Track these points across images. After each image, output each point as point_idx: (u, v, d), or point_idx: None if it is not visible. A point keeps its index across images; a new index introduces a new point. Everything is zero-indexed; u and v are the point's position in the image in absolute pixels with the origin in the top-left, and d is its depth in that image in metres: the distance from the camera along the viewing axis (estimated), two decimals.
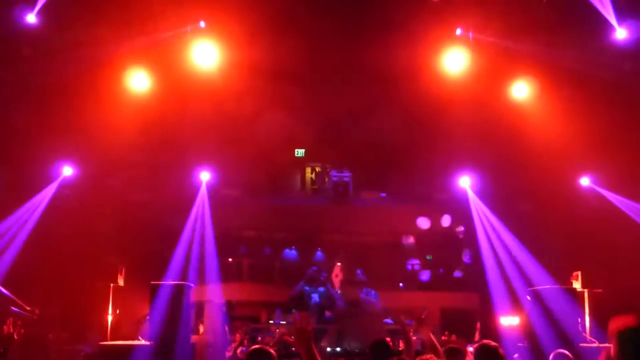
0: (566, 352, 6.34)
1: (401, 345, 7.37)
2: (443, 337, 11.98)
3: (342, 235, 16.63)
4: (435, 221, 16.50)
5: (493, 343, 5.65)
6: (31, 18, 11.52)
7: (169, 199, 13.26)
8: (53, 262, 11.70)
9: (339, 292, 12.16)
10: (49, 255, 11.68)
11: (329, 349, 11.67)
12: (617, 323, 3.45)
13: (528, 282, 11.80)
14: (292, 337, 5.15)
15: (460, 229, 15.63)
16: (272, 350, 5.35)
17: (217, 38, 12.51)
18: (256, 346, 5.43)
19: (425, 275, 16.28)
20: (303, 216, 16.40)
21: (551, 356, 6.28)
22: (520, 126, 12.55)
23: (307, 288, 12.22)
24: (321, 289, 12.21)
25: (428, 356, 5.31)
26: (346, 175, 15.48)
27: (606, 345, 9.54)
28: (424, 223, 16.12)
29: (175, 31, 12.24)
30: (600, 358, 5.87)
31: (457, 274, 15.87)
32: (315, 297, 12.09)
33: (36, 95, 11.97)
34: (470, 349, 11.37)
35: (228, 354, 10.95)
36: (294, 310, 12.53)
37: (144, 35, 11.91)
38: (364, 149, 15.36)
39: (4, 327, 10.34)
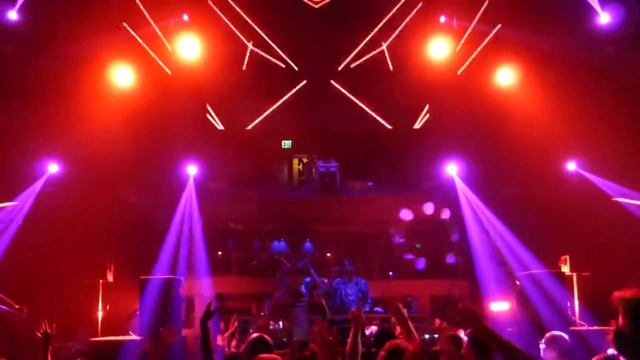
0: (562, 334, 6.33)
1: (397, 331, 7.37)
2: (434, 326, 12.01)
3: (331, 225, 16.62)
4: (422, 209, 16.49)
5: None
6: (12, 15, 11.42)
7: (156, 193, 13.21)
8: (41, 260, 11.61)
9: (325, 281, 12.09)
10: (36, 253, 11.59)
11: None
12: (619, 295, 3.45)
13: (517, 267, 11.85)
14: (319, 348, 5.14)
15: (447, 215, 15.64)
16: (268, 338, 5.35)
17: (201, 31, 12.49)
18: (255, 335, 5.42)
19: (421, 264, 16.26)
20: (291, 207, 16.37)
21: (547, 337, 6.25)
22: (506, 112, 12.59)
23: None
24: (307, 279, 12.14)
25: (398, 340, 5.33)
26: (333, 165, 15.41)
27: (599, 327, 9.65)
28: (407, 215, 16.09)
29: (158, 25, 12.19)
30: (608, 337, 5.87)
31: (448, 260, 15.90)
32: (302, 288, 12.02)
33: (19, 92, 11.86)
34: (462, 334, 11.45)
35: (219, 343, 10.90)
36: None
37: (126, 29, 11.84)
38: (350, 139, 15.35)
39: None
